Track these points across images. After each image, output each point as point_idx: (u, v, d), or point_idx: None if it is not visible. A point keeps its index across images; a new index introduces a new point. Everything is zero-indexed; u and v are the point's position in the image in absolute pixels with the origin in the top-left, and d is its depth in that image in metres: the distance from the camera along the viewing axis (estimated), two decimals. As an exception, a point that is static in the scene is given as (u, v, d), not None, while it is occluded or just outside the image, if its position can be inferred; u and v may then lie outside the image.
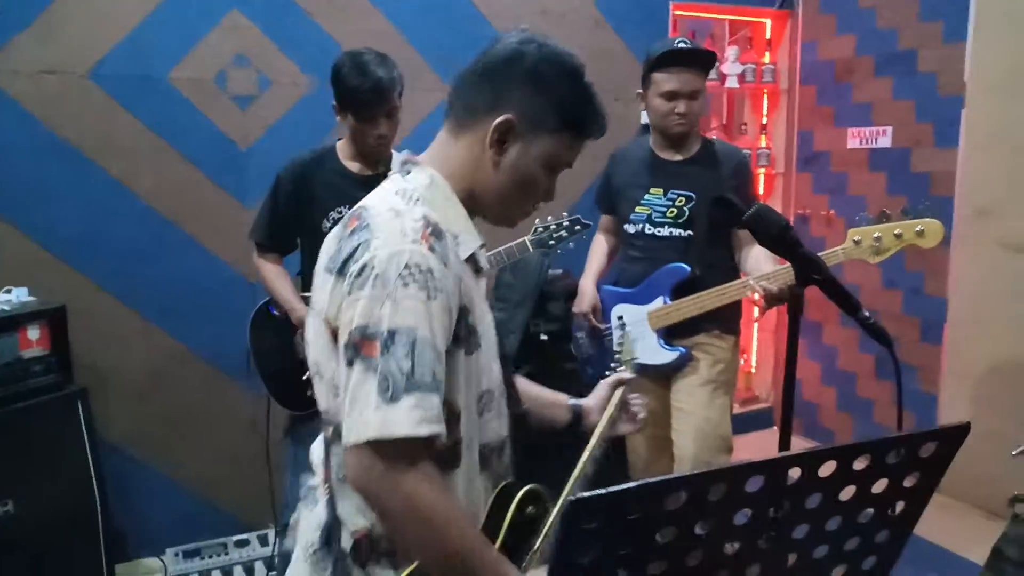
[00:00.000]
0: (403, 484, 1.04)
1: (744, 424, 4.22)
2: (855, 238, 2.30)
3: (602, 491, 0.66)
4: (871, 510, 0.91)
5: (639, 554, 0.73)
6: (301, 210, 2.32)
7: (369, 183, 2.27)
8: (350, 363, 1.07)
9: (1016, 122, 3.18)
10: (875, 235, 2.27)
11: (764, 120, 4.38)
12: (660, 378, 2.67)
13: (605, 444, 1.42)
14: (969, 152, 3.40)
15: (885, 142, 3.78)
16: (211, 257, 3.07)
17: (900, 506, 0.92)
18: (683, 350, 2.58)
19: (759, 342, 4.56)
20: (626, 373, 1.57)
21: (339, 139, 2.36)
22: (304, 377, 2.26)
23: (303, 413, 2.32)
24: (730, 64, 4.12)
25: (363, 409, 1.04)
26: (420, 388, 1.04)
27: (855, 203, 3.94)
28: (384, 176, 2.25)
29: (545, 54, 1.18)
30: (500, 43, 1.22)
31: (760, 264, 2.47)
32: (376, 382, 1.04)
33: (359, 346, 1.06)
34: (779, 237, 1.16)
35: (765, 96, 4.37)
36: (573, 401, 1.50)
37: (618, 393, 1.50)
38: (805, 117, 4.20)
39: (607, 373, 2.69)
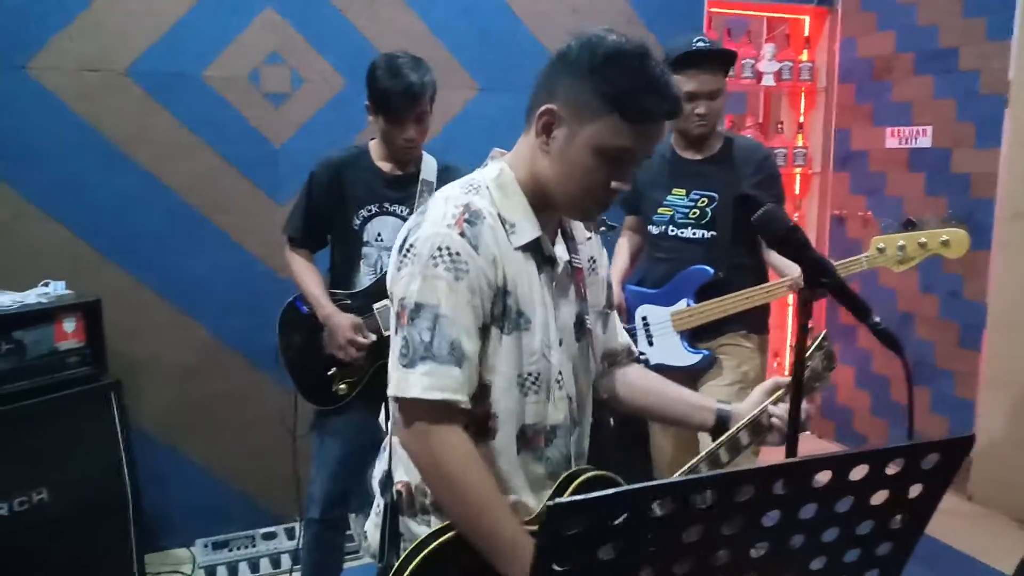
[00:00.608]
0: (428, 441, 1.19)
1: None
2: (879, 246, 2.28)
3: (583, 497, 0.66)
4: (871, 522, 0.89)
5: (624, 561, 0.73)
6: (333, 207, 2.35)
7: (400, 183, 2.35)
8: (395, 330, 1.24)
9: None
10: (899, 243, 2.26)
11: (801, 119, 4.31)
12: (686, 380, 2.65)
13: (734, 452, 1.39)
14: (1011, 153, 3.31)
15: (925, 142, 3.69)
16: (243, 252, 3.12)
17: (902, 518, 0.90)
18: (707, 352, 2.57)
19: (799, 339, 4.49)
20: (785, 378, 1.44)
21: (372, 139, 2.39)
22: (329, 372, 2.31)
23: (328, 408, 2.34)
24: (766, 62, 4.06)
25: (392, 369, 1.22)
26: (435, 359, 1.17)
27: (893, 204, 3.86)
28: (415, 177, 2.35)
29: (590, 43, 1.21)
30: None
31: (788, 262, 2.38)
32: (399, 347, 1.21)
33: (400, 315, 1.22)
34: (786, 238, 1.15)
35: (803, 94, 4.29)
36: (721, 405, 1.47)
37: (768, 401, 1.43)
38: (843, 116, 4.12)
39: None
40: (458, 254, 1.19)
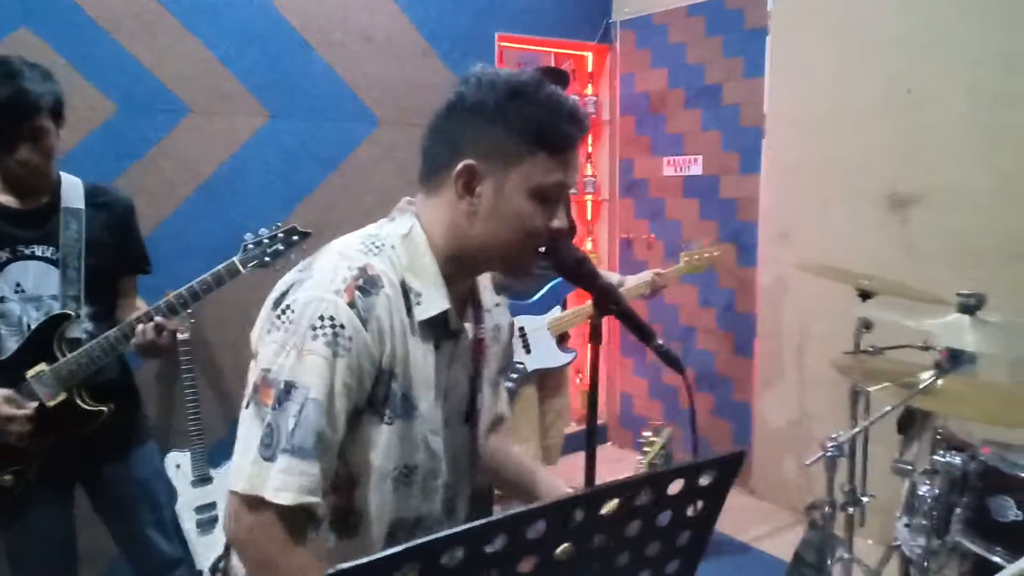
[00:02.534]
0: (264, 545, 1.03)
1: (579, 442, 4.32)
2: (685, 258, 3.07)
3: (364, 560, 0.63)
4: (658, 543, 0.93)
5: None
6: None
7: (32, 219, 1.91)
8: (247, 403, 1.06)
9: (810, 151, 3.49)
10: (696, 256, 3.10)
11: (589, 149, 4.55)
12: (560, 377, 3.01)
13: None
14: (769, 180, 3.69)
15: (696, 170, 4.03)
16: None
17: (686, 536, 0.95)
18: (574, 352, 2.96)
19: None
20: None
21: None
22: None
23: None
24: (555, 94, 4.24)
25: (242, 456, 1.04)
26: (295, 452, 1.02)
27: (672, 227, 4.17)
28: (50, 209, 1.95)
29: (485, 83, 1.11)
30: (446, 97, 1.15)
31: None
32: (260, 434, 1.03)
33: (259, 388, 1.05)
34: (575, 270, 1.18)
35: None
36: (572, 491, 1.38)
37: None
38: (625, 146, 4.41)
39: (508, 384, 2.83)
40: (342, 327, 1.03)
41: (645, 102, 4.28)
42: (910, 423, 2.34)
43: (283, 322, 1.06)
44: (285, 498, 1.01)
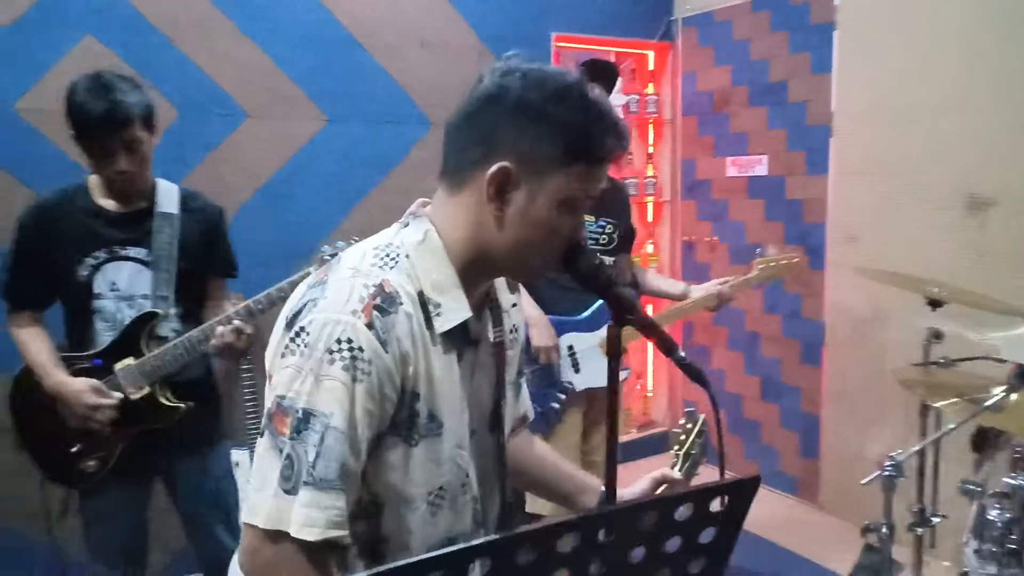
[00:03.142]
0: None
1: (642, 449, 4.24)
2: (760, 266, 2.75)
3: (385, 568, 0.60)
4: (667, 570, 0.87)
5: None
6: (51, 257, 1.99)
7: (128, 221, 2.02)
8: (262, 432, 1.00)
9: (880, 150, 3.32)
10: (772, 263, 2.77)
11: (650, 150, 4.45)
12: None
13: None
14: (837, 180, 3.53)
15: (761, 170, 3.89)
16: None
17: (699, 564, 0.89)
18: (628, 370, 2.92)
19: (654, 366, 4.61)
20: (675, 472, 1.38)
21: (91, 173, 2.03)
22: (73, 449, 2.03)
23: (81, 489, 2.08)
24: (613, 96, 4.16)
25: (261, 490, 0.98)
26: (318, 484, 0.96)
27: (736, 229, 4.03)
28: (145, 213, 2.05)
29: (531, 81, 1.01)
30: (482, 81, 1.06)
31: (659, 281, 2.94)
32: (280, 466, 0.97)
33: (273, 416, 0.99)
34: (593, 277, 1.13)
35: (651, 126, 4.44)
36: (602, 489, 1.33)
37: (660, 492, 1.34)
38: (687, 146, 4.29)
39: (552, 405, 2.67)
40: (361, 350, 0.97)
41: (708, 101, 4.15)
42: (983, 441, 2.19)
43: (298, 345, 0.99)
44: (311, 534, 0.95)
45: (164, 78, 2.99)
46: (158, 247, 2.03)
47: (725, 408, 4.14)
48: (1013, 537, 1.67)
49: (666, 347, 1.13)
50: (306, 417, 0.97)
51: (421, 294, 1.06)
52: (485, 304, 1.20)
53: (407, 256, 1.07)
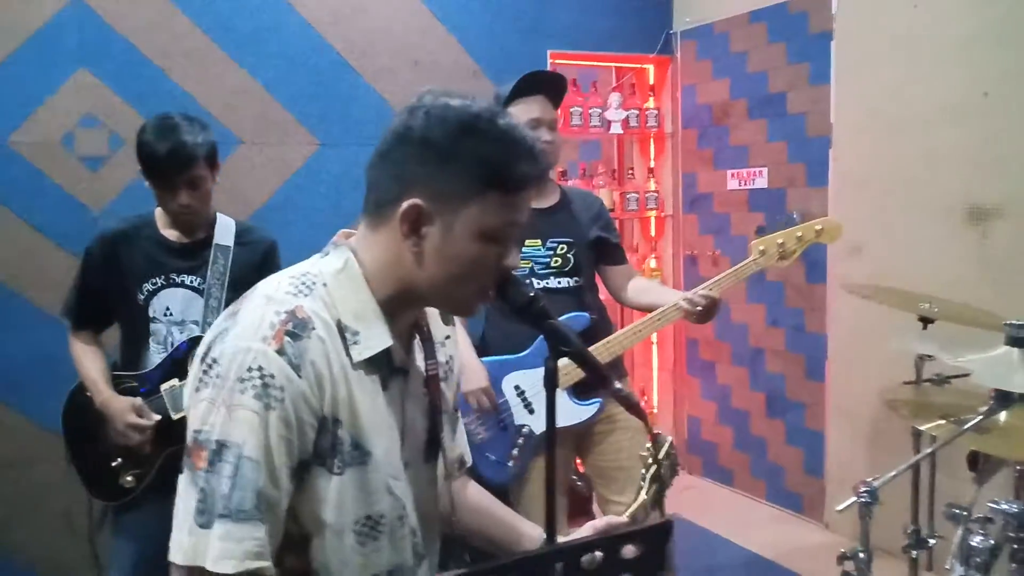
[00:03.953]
0: None
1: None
2: (760, 248, 2.35)
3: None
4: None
5: None
6: (113, 282, 2.15)
7: (188, 251, 2.19)
8: (182, 468, 1.00)
9: (880, 161, 3.26)
10: (779, 241, 2.33)
11: (651, 164, 4.42)
12: (585, 436, 2.46)
13: None
14: (837, 191, 3.47)
15: (762, 183, 3.84)
16: (62, 329, 2.91)
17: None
18: (599, 400, 2.36)
19: (659, 382, 4.56)
20: (622, 518, 1.31)
21: (158, 207, 2.20)
22: (113, 464, 2.12)
23: (117, 504, 2.16)
24: (613, 111, 4.15)
25: (180, 527, 0.98)
26: (234, 516, 0.95)
27: (738, 243, 3.98)
28: (204, 244, 2.19)
29: (434, 117, 1.02)
30: (394, 120, 1.07)
31: (651, 293, 2.48)
32: (196, 500, 0.97)
33: (191, 452, 0.99)
34: (527, 308, 1.11)
35: (651, 141, 4.42)
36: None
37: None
38: (688, 160, 4.26)
39: (513, 452, 2.39)
40: (272, 377, 0.97)
41: (707, 114, 4.12)
42: (977, 462, 2.13)
43: (211, 377, 0.99)
44: (228, 566, 0.94)
45: (156, 108, 3.00)
46: (211, 276, 2.17)
47: (732, 425, 4.10)
48: (990, 565, 1.61)
49: (600, 379, 1.10)
50: (219, 448, 0.96)
51: (339, 322, 1.05)
52: (413, 334, 1.18)
53: (324, 284, 1.06)
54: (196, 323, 2.16)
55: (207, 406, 0.98)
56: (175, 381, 2.11)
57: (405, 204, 1.02)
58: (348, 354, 1.05)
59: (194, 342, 2.12)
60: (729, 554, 3.44)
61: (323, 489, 1.03)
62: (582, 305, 2.42)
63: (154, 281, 2.14)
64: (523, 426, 2.39)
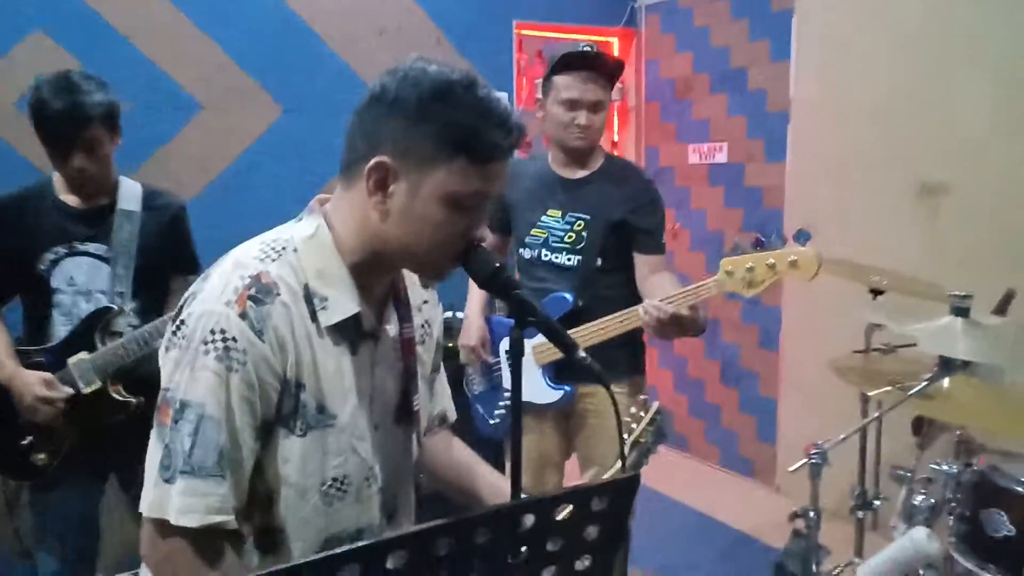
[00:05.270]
0: (178, 571, 1.01)
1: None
2: (727, 268, 1.98)
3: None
4: (553, 567, 0.90)
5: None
6: (11, 251, 2.02)
7: (90, 217, 2.05)
8: (156, 429, 1.03)
9: (836, 138, 3.35)
10: (748, 265, 1.96)
11: (615, 137, 4.46)
12: (559, 419, 2.37)
13: None
14: (795, 167, 3.56)
15: (722, 158, 3.91)
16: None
17: (585, 562, 0.91)
18: (568, 389, 2.28)
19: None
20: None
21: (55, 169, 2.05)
22: (23, 442, 2.05)
23: (35, 482, 2.11)
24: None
25: (147, 480, 1.02)
26: (195, 472, 0.99)
27: (698, 217, 4.06)
28: (107, 210, 2.07)
29: (410, 79, 1.04)
30: (372, 83, 1.09)
31: (656, 294, 2.08)
32: (160, 456, 1.01)
33: (159, 409, 1.03)
34: (493, 278, 1.13)
35: (615, 113, 4.45)
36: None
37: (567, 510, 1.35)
38: (651, 133, 4.31)
39: (496, 412, 2.45)
40: (234, 340, 1.00)
41: (670, 88, 4.17)
42: (921, 426, 2.24)
43: (179, 338, 1.03)
44: (190, 520, 0.98)
45: (114, 71, 2.96)
46: (117, 244, 2.05)
47: (688, 393, 4.20)
48: (931, 525, 1.71)
49: (566, 348, 1.14)
50: (182, 407, 1.00)
51: (307, 287, 1.07)
52: (389, 299, 1.21)
53: (295, 250, 1.08)
54: (103, 292, 2.05)
55: (173, 366, 1.02)
56: (83, 354, 2.02)
57: (372, 161, 1.05)
58: (315, 319, 1.08)
59: (100, 313, 2.04)
60: (683, 517, 3.56)
61: (286, 449, 1.07)
62: (583, 286, 2.26)
63: (56, 250, 2.02)
64: (507, 391, 2.36)
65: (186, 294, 1.08)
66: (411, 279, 1.27)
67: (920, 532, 1.13)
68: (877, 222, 3.18)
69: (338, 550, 0.72)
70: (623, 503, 0.90)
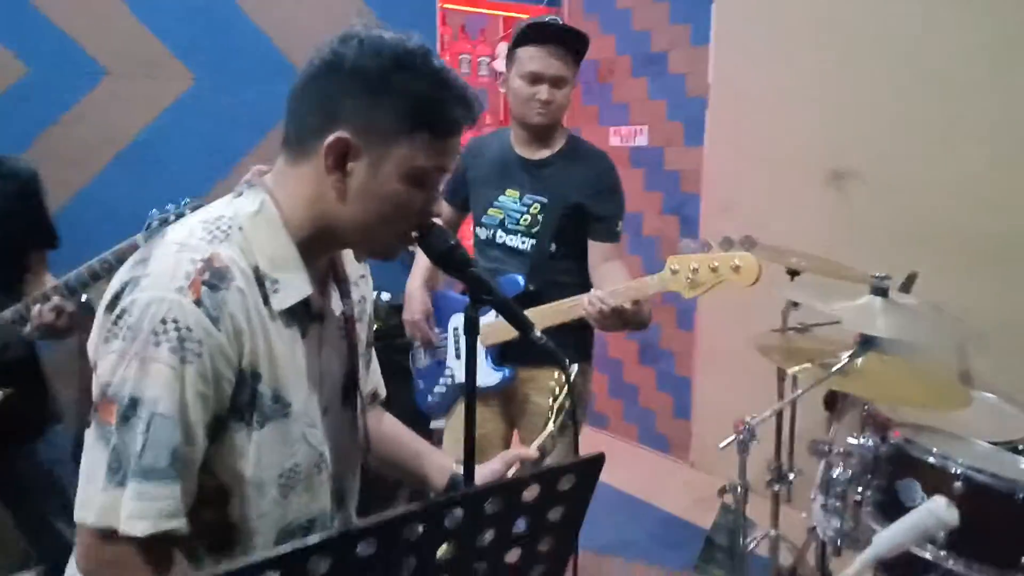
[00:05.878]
0: None
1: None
2: (673, 266, 1.94)
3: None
4: (517, 549, 0.89)
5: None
6: None
7: None
8: (88, 422, 0.95)
9: (752, 123, 3.44)
10: (693, 266, 1.94)
11: (536, 116, 4.45)
12: (500, 401, 2.30)
13: None
14: (712, 150, 3.64)
15: (642, 141, 3.97)
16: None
17: (548, 542, 0.91)
18: (508, 371, 2.20)
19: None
20: (531, 450, 1.33)
21: None
22: None
23: None
24: (501, 60, 4.14)
25: (88, 485, 0.93)
26: (147, 475, 0.91)
27: (618, 198, 4.11)
28: None
29: (368, 47, 0.98)
30: (320, 49, 1.01)
31: (604, 285, 2.04)
32: (107, 458, 0.92)
33: (99, 406, 0.94)
34: (448, 256, 1.11)
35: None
36: (457, 471, 1.30)
37: (512, 471, 1.31)
38: (573, 115, 4.32)
39: (436, 389, 2.40)
40: (189, 330, 0.92)
41: (593, 70, 4.19)
42: (834, 402, 2.35)
43: (120, 328, 0.93)
44: (142, 528, 0.91)
45: (12, 31, 2.76)
46: None
47: (607, 373, 4.27)
48: (848, 496, 1.80)
49: (522, 327, 1.13)
50: (132, 404, 0.92)
51: (257, 269, 1.01)
52: (329, 276, 1.17)
53: (240, 229, 1.02)
54: None
55: (116, 358, 0.93)
56: None
57: (331, 137, 0.99)
58: (267, 303, 1.02)
59: None
60: (602, 494, 3.62)
61: (242, 444, 1.01)
62: (535, 270, 2.19)
63: None
64: (449, 368, 2.33)
65: (121, 279, 0.98)
66: (346, 253, 1.23)
67: (939, 501, 1.18)
68: (790, 205, 3.29)
69: (309, 540, 0.69)
70: (589, 481, 0.90)
